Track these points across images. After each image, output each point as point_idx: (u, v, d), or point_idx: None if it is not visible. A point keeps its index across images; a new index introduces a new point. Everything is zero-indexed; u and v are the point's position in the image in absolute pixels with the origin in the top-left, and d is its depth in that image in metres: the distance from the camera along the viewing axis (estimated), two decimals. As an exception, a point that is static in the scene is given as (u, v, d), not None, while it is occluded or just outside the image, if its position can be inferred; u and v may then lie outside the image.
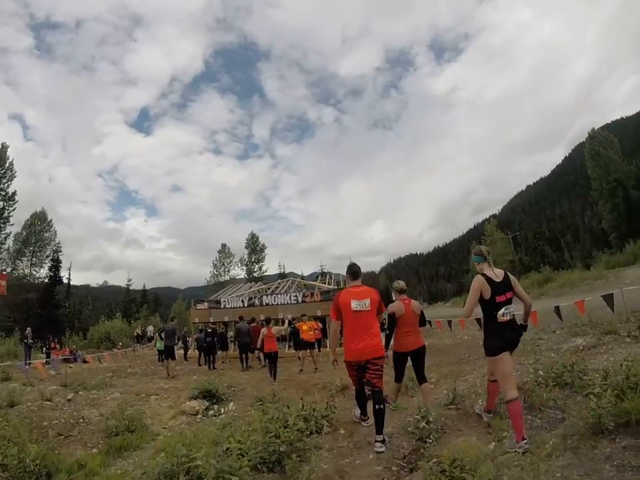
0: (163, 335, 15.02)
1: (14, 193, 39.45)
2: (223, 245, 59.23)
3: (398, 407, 6.14)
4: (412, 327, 5.81)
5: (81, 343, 30.73)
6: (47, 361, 19.11)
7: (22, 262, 43.56)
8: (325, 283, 24.32)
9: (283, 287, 24.32)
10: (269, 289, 25.78)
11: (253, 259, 57.29)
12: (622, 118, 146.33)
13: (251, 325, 15.93)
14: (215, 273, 55.26)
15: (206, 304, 21.93)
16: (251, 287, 27.95)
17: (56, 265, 44.89)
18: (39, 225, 44.78)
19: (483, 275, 4.35)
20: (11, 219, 39.73)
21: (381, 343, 5.16)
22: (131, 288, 59.30)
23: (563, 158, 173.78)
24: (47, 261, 44.72)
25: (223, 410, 6.80)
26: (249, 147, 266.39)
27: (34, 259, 44.14)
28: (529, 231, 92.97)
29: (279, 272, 58.40)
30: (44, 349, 22.39)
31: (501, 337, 4.24)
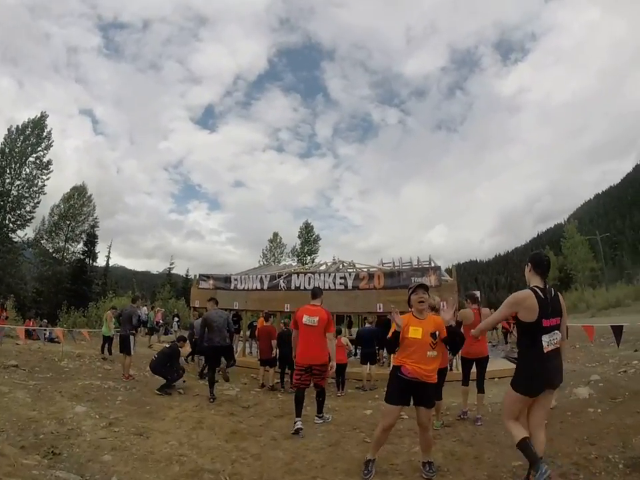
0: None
1: (49, 162, 37.30)
2: (275, 234, 53.10)
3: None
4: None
5: (79, 319, 26.93)
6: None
7: (58, 235, 41.30)
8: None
9: (328, 271, 16.80)
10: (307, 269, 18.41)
11: (305, 250, 51.05)
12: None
13: (264, 324, 10.89)
14: (265, 263, 48.62)
15: (211, 281, 14.98)
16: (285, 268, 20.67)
17: (91, 241, 42.47)
18: (77, 198, 42.51)
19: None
20: (45, 188, 37.40)
21: (324, 352, 6.16)
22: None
23: (634, 166, 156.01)
24: (82, 236, 42.48)
25: None
26: (312, 145, 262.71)
27: (70, 233, 41.81)
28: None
29: (333, 266, 51.34)
30: None
31: None
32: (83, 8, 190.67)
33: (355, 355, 12.21)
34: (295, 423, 5.93)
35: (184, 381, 9.35)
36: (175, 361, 9.08)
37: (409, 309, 4.47)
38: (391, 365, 4.60)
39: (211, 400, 7.77)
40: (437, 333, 4.17)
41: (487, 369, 6.59)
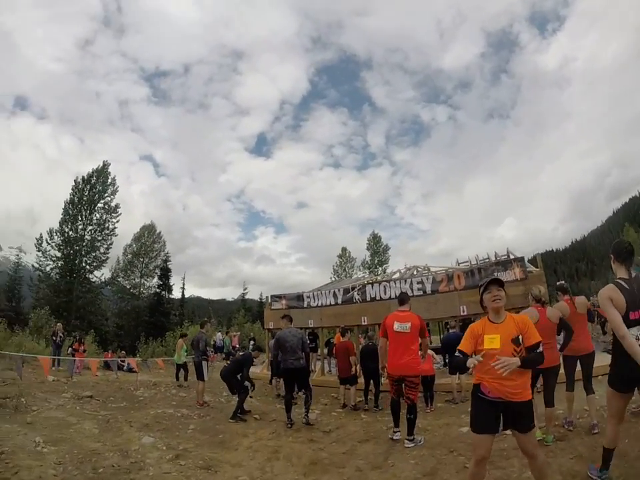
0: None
1: (117, 206, 39.22)
2: (343, 249, 53.06)
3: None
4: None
5: (157, 349, 28.10)
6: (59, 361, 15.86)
7: (133, 272, 43.87)
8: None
9: (404, 278, 15.82)
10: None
11: (375, 261, 50.45)
12: None
13: (341, 340, 10.39)
14: (337, 278, 48.27)
15: (284, 301, 14.49)
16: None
17: (165, 274, 43.92)
18: (148, 237, 45.32)
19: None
20: (115, 230, 39.33)
21: (415, 361, 5.86)
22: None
23: None
24: (156, 271, 44.51)
25: None
26: (367, 156, 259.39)
27: (144, 269, 44.30)
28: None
29: (405, 274, 50.03)
30: (69, 348, 17.84)
31: None
32: (126, 63, 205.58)
33: (445, 364, 11.25)
34: (393, 432, 5.98)
35: (250, 397, 8.85)
36: (246, 368, 8.48)
37: (484, 312, 3.49)
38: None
39: (289, 425, 7.12)
40: (520, 337, 3.18)
41: None
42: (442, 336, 18.17)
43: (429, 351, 8.62)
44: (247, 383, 8.41)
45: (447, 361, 10.42)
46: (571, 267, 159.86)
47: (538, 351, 3.16)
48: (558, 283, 6.18)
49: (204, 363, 9.79)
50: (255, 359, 9.29)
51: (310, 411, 7.45)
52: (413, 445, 5.57)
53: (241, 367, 8.49)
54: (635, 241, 56.48)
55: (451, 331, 10.24)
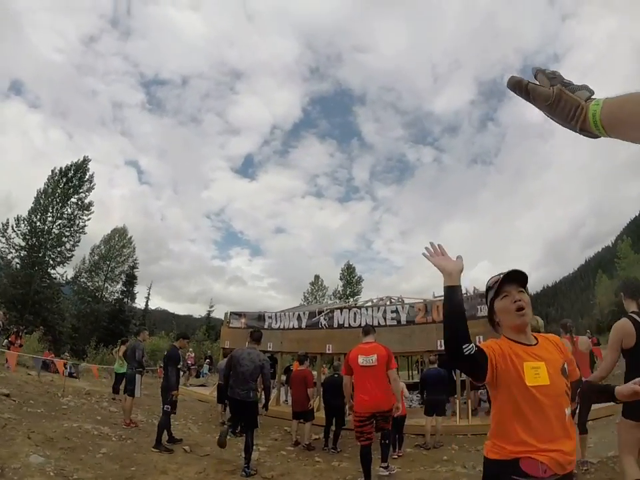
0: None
1: (90, 203, 38.46)
2: (316, 277, 52.77)
3: None
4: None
5: (107, 357, 26.58)
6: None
7: (98, 275, 42.44)
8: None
9: (377, 305, 14.67)
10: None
11: (347, 292, 49.73)
12: None
13: (299, 368, 8.99)
14: (306, 305, 47.34)
15: (243, 320, 13.26)
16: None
17: (130, 281, 43.18)
18: (118, 240, 44.09)
19: None
20: (85, 228, 38.23)
21: (387, 395, 5.32)
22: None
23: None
24: (122, 276, 43.49)
25: None
26: (350, 189, 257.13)
27: (110, 273, 42.96)
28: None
29: (378, 307, 49.87)
30: (5, 341, 16.78)
31: None
32: (126, 66, 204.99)
33: (421, 403, 10.26)
34: None
35: (173, 412, 7.27)
36: (171, 363, 7.20)
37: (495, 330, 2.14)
38: (484, 455, 1.94)
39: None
40: (566, 364, 1.94)
41: None
42: (411, 373, 17.52)
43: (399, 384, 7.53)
44: (172, 385, 7.02)
45: (424, 398, 9.39)
46: (541, 312, 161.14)
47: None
48: (562, 321, 6.16)
49: (137, 376, 8.46)
50: (181, 349, 8.02)
51: (255, 447, 6.19)
52: (387, 473, 5.23)
53: (166, 364, 7.31)
54: (608, 287, 57.78)
55: (430, 366, 9.19)
